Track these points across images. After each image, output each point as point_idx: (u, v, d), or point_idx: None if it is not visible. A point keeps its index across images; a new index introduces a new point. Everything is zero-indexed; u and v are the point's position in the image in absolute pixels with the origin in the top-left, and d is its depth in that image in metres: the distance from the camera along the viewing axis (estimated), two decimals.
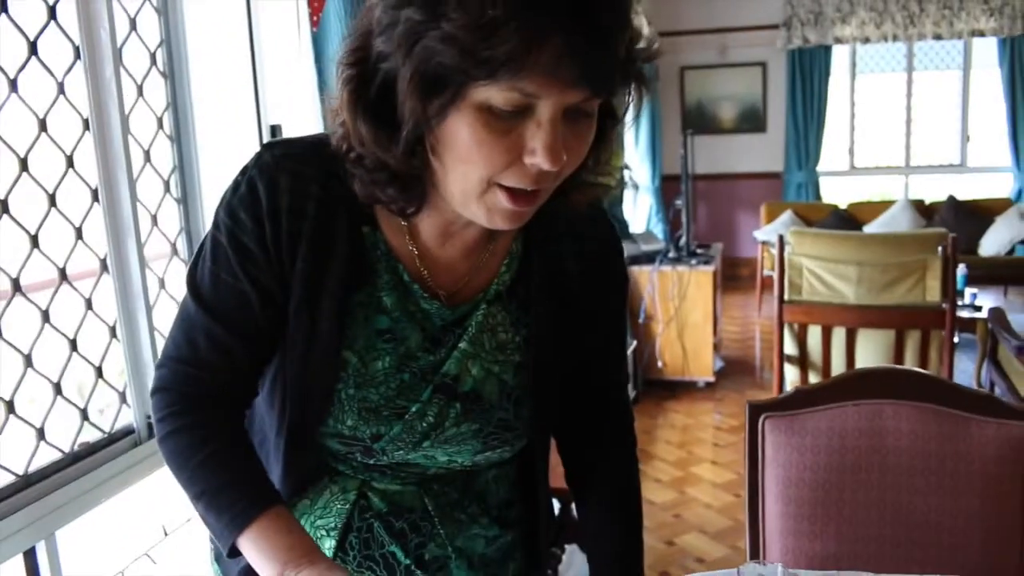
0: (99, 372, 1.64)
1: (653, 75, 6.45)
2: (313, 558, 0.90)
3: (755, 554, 1.73)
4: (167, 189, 1.85)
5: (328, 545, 1.04)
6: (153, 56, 1.81)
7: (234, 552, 0.94)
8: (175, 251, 1.87)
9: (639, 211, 6.81)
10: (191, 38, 1.89)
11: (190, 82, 1.87)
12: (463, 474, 1.08)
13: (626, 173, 5.39)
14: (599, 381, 1.17)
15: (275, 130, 2.12)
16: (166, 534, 1.70)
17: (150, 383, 1.67)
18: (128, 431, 1.69)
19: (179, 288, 1.88)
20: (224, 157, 2.07)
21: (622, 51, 0.83)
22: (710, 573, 1.27)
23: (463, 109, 0.81)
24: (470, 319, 1.02)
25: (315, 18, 1.86)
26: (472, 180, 0.85)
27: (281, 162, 0.94)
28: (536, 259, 1.05)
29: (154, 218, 1.79)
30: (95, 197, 1.63)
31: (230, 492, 0.94)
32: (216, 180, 1.99)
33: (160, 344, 1.75)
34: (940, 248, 3.59)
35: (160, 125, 1.83)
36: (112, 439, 1.65)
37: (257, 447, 1.05)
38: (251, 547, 0.92)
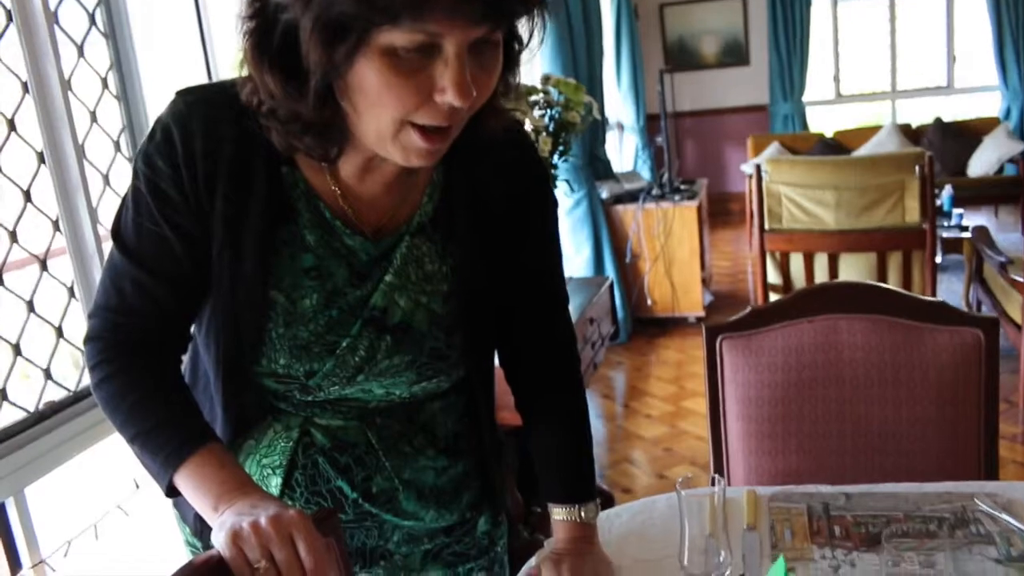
0: (59, 332, 1.66)
1: (632, 13, 6.38)
2: (246, 490, 0.91)
3: (719, 474, 1.76)
4: (118, 148, 1.84)
5: (274, 483, 1.05)
6: (92, 16, 1.79)
7: (172, 491, 0.95)
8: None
9: (625, 151, 6.77)
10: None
11: (133, 41, 1.85)
12: (405, 406, 1.09)
13: (601, 111, 5.34)
14: (535, 304, 1.17)
15: None
16: (137, 486, 1.73)
17: None
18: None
19: None
20: None
21: None
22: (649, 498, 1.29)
23: (369, 54, 0.81)
24: (395, 252, 1.02)
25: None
26: (385, 122, 0.86)
27: (194, 107, 0.94)
28: (457, 188, 1.05)
29: (106, 178, 1.80)
30: (41, 159, 1.63)
31: (162, 432, 0.96)
32: None
33: None
34: (917, 168, 3.57)
35: (105, 85, 1.82)
36: (78, 397, 1.67)
37: (201, 390, 1.07)
38: (186, 484, 0.93)
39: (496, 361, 1.21)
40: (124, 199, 0.99)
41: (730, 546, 1.08)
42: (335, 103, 0.87)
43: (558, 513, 1.16)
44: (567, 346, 1.22)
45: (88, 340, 1.01)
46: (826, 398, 1.68)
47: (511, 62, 0.93)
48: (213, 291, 0.99)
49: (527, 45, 0.95)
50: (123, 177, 1.85)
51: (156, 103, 1.92)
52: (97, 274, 1.69)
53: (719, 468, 1.75)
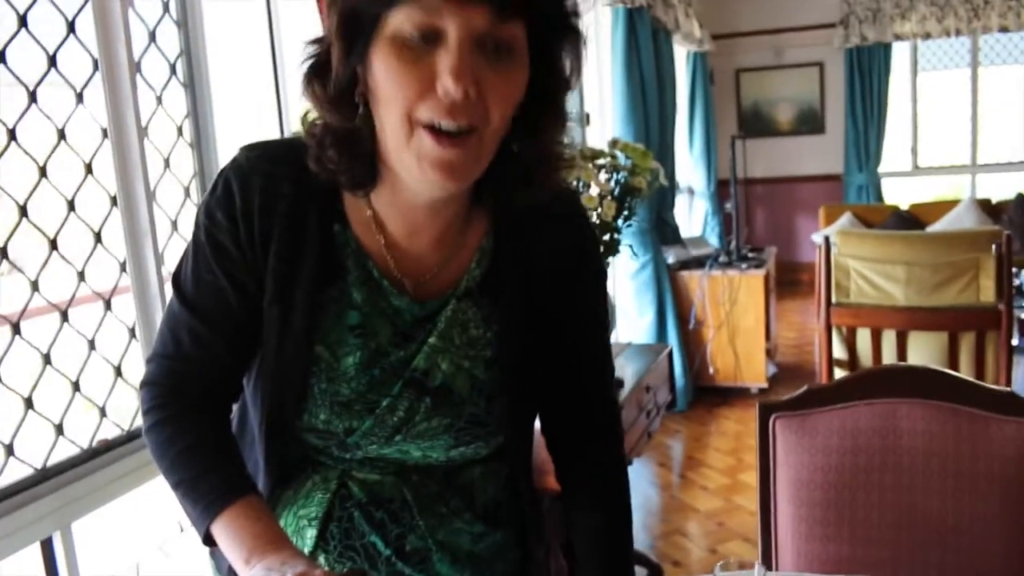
0: (118, 371, 1.70)
1: (707, 78, 6.40)
2: (279, 545, 0.92)
3: (767, 558, 1.70)
4: (187, 195, 1.90)
5: (310, 535, 1.05)
6: (173, 66, 1.86)
7: (209, 540, 0.96)
8: None
9: (695, 216, 6.73)
10: (212, 48, 1.94)
11: (210, 91, 1.92)
12: (444, 468, 1.09)
13: (670, 176, 5.33)
14: (578, 377, 1.14)
15: None
16: (182, 530, 1.75)
17: None
18: None
19: None
20: None
21: None
22: None
23: (379, 45, 0.86)
24: (440, 314, 1.03)
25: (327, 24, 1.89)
26: (395, 120, 0.88)
27: (255, 163, 0.98)
28: (506, 255, 1.05)
29: (174, 223, 1.85)
30: (114, 203, 1.69)
31: (205, 481, 0.97)
32: None
33: None
34: (994, 246, 3.47)
35: (180, 133, 1.89)
36: (131, 436, 1.70)
37: (248, 443, 1.08)
38: (222, 534, 0.94)
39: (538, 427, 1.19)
40: (186, 249, 1.03)
41: None
42: (357, 109, 0.91)
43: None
44: (609, 423, 1.19)
45: (144, 384, 1.04)
46: (882, 486, 1.61)
47: (549, 96, 0.95)
48: (265, 346, 1.01)
49: (569, 83, 0.96)
50: (190, 223, 1.90)
51: (228, 152, 1.97)
52: (159, 317, 1.73)
53: (767, 551, 1.69)
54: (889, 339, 3.66)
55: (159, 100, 1.81)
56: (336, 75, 0.89)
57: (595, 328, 1.15)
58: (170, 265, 1.80)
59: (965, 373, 3.61)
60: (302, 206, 0.98)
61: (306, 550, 1.05)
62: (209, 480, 0.97)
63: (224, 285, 0.99)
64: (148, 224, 1.70)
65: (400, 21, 0.84)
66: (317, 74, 0.92)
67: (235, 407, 1.11)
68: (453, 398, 1.03)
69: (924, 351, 3.62)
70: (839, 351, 3.79)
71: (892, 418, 1.62)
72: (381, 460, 1.06)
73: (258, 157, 0.99)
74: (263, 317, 1.00)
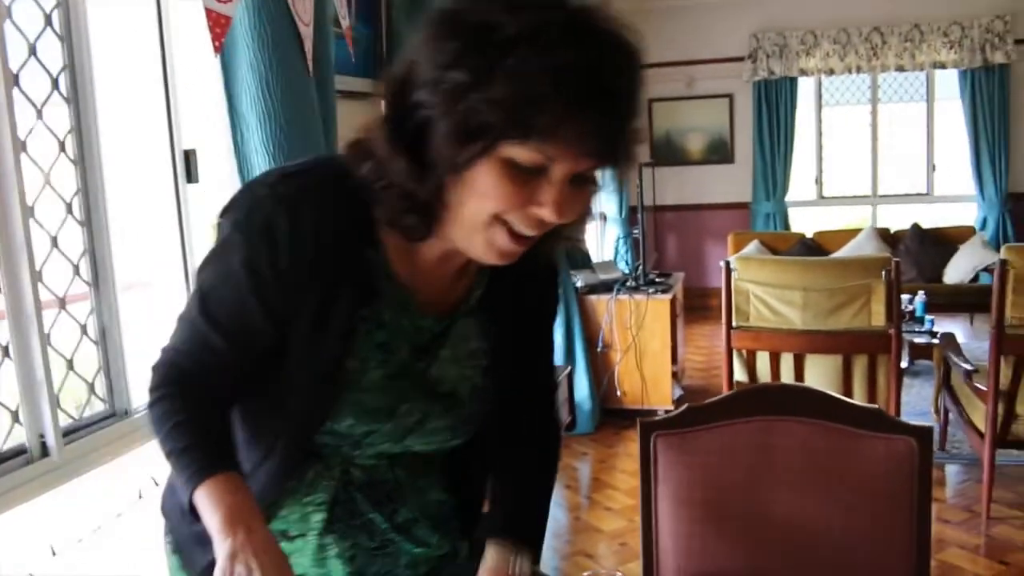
0: None
1: None
2: (252, 524, 0.98)
3: (648, 573, 1.72)
4: (69, 211, 1.85)
5: (317, 519, 1.16)
6: (55, 80, 1.82)
7: (193, 510, 1.01)
8: (77, 271, 1.87)
9: (607, 241, 6.83)
10: (99, 62, 1.91)
11: (95, 106, 1.88)
12: (426, 453, 1.22)
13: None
14: (539, 380, 1.36)
15: (189, 155, 2.13)
16: (54, 554, 1.69)
17: (43, 404, 1.69)
18: (20, 451, 1.68)
19: (78, 309, 1.89)
20: (135, 181, 2.08)
21: (631, 134, 0.98)
22: None
23: (490, 160, 0.94)
24: (451, 330, 1.16)
25: (217, 44, 1.88)
26: (482, 215, 0.98)
27: (296, 192, 1.04)
28: (502, 279, 1.18)
29: (54, 240, 1.80)
30: None
31: (191, 453, 1.03)
32: (124, 204, 2.00)
33: (54, 364, 1.75)
34: (884, 272, 3.61)
35: (62, 148, 1.84)
36: (1, 458, 1.64)
37: (261, 457, 1.14)
38: (202, 503, 1.00)
39: None
40: (210, 259, 1.07)
41: None
42: (445, 191, 0.99)
43: (491, 556, 1.21)
44: (551, 397, 1.40)
45: (155, 367, 1.11)
46: (758, 501, 1.65)
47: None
48: (291, 359, 1.08)
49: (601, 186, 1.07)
50: (74, 242, 1.85)
51: (113, 168, 1.94)
52: (33, 336, 1.68)
53: (648, 566, 1.71)
54: (787, 362, 3.76)
55: (39, 114, 1.77)
56: (437, 169, 0.96)
57: (551, 341, 1.37)
58: (49, 282, 1.76)
59: (858, 394, 3.73)
60: (339, 232, 1.05)
61: (313, 533, 1.17)
62: (195, 452, 1.03)
63: (253, 308, 1.04)
64: (24, 241, 1.65)
65: (519, 151, 0.92)
66: (397, 136, 0.98)
67: (240, 414, 1.16)
68: (458, 402, 1.18)
69: (820, 374, 3.74)
70: (740, 373, 3.88)
71: (768, 435, 1.67)
72: (384, 453, 1.18)
73: (298, 186, 1.05)
74: (290, 336, 1.07)
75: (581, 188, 0.99)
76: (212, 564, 1.08)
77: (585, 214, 1.07)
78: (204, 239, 2.20)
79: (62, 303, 1.83)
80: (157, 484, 2.06)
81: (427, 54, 0.95)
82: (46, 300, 1.75)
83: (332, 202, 1.04)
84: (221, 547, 0.96)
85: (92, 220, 1.89)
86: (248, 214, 1.03)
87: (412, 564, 1.24)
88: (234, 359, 1.07)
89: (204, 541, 1.10)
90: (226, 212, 1.06)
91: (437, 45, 0.94)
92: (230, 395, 1.13)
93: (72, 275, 1.86)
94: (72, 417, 1.85)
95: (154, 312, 2.24)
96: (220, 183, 2.21)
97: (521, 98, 0.89)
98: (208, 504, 0.99)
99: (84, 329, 1.90)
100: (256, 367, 1.10)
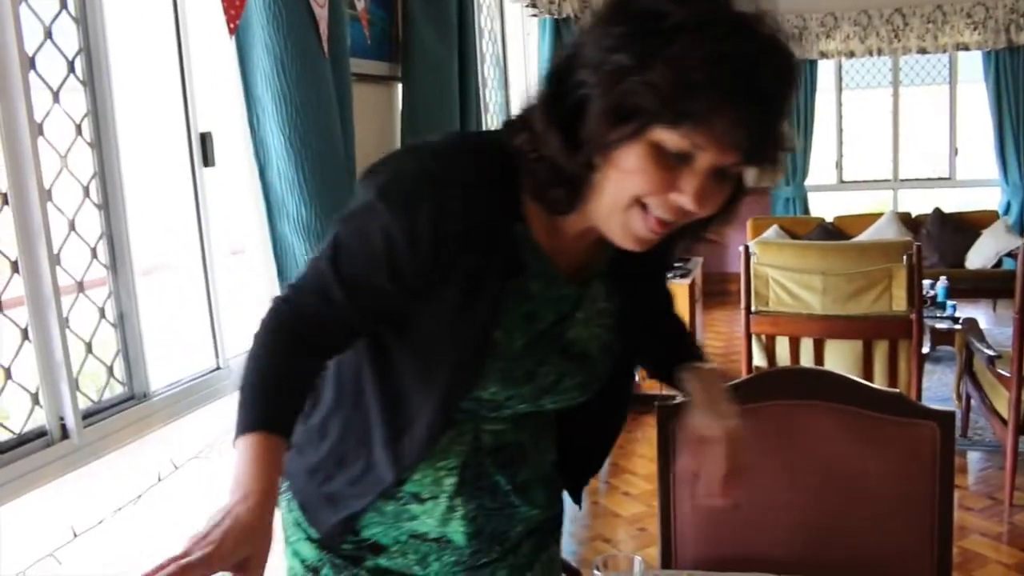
0: (7, 373, 1.65)
1: None
2: (253, 493, 0.99)
3: (667, 557, 1.72)
4: (87, 194, 1.85)
5: (450, 482, 1.22)
6: (71, 64, 1.82)
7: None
8: (94, 255, 1.87)
9: None
10: (115, 45, 1.90)
11: (112, 89, 1.88)
12: (546, 413, 1.28)
13: None
14: (662, 327, 1.41)
15: (205, 138, 2.13)
16: (75, 535, 1.70)
17: (62, 386, 1.69)
18: (40, 433, 1.69)
19: (97, 295, 1.89)
20: (152, 165, 2.08)
21: (779, 136, 1.00)
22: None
23: (639, 142, 0.97)
24: (585, 294, 1.20)
25: (232, 25, 1.87)
26: (624, 195, 1.01)
27: (445, 169, 1.07)
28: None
29: (71, 223, 1.80)
30: (4, 200, 1.64)
31: (253, 403, 1.08)
32: (142, 187, 2.00)
33: (73, 349, 1.75)
34: (905, 257, 3.57)
35: (79, 132, 1.84)
36: (22, 440, 1.65)
37: (405, 425, 1.17)
38: (236, 454, 1.04)
39: None
40: (352, 216, 1.10)
41: None
42: (592, 169, 1.02)
43: (688, 376, 1.32)
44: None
45: (274, 300, 1.15)
46: (777, 486, 1.64)
47: (735, 203, 1.09)
48: (435, 332, 1.12)
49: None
50: (89, 223, 1.85)
51: (130, 152, 1.94)
52: (53, 318, 1.69)
53: (667, 551, 1.71)
54: (807, 347, 3.73)
55: (56, 98, 1.77)
56: (588, 146, 0.99)
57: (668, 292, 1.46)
58: (67, 265, 1.77)
59: (879, 380, 3.69)
60: (489, 207, 1.08)
61: (444, 495, 1.22)
62: (256, 404, 1.08)
63: (382, 274, 1.07)
64: (42, 226, 1.66)
65: (668, 136, 0.95)
66: (554, 112, 1.01)
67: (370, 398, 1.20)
68: (591, 361, 1.23)
69: (840, 359, 3.71)
70: (759, 359, 3.86)
71: (788, 419, 1.66)
72: (515, 415, 1.23)
73: (448, 164, 1.08)
74: (432, 308, 1.10)
75: (723, 183, 1.01)
76: (339, 523, 1.23)
77: (727, 214, 1.09)
78: (221, 222, 2.20)
79: (80, 287, 1.83)
80: (176, 467, 2.07)
81: (594, 37, 0.99)
82: (65, 285, 1.75)
83: (482, 178, 1.08)
84: (230, 494, 1.00)
85: (109, 203, 1.89)
86: (395, 184, 1.07)
87: (523, 524, 1.32)
88: (350, 316, 1.11)
89: (334, 501, 1.23)
90: (372, 174, 1.10)
91: (605, 29, 0.98)
92: (334, 349, 1.17)
93: (90, 258, 1.86)
94: (92, 400, 1.85)
95: (172, 295, 2.25)
96: (236, 166, 2.20)
97: (678, 84, 0.92)
98: (237, 457, 1.04)
99: (102, 312, 1.90)
100: (371, 329, 1.16)
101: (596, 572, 1.25)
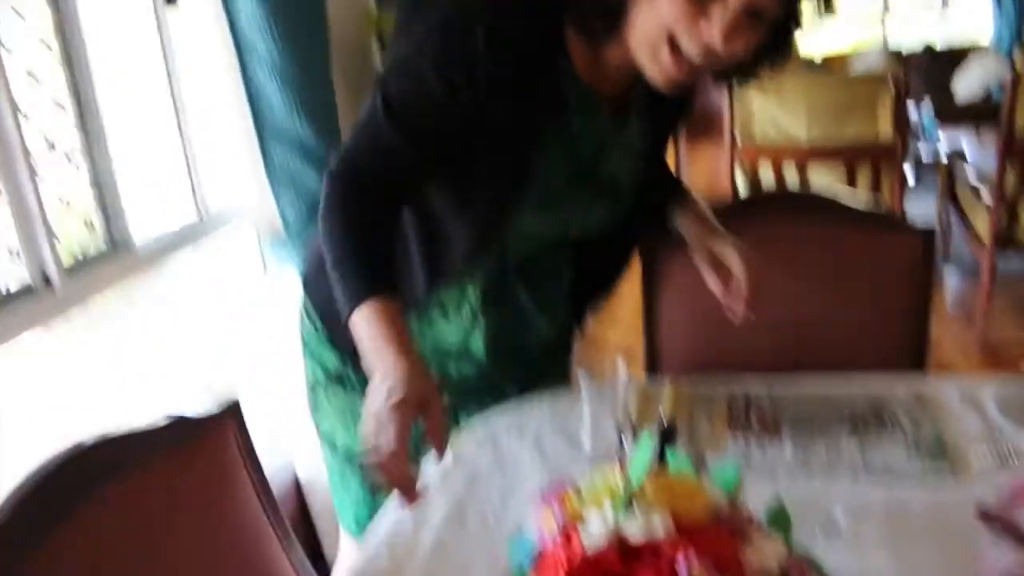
0: None
1: None
2: (403, 351, 1.02)
3: (652, 367, 1.76)
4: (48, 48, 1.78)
5: (475, 297, 1.33)
6: None
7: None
8: (61, 106, 1.82)
9: None
10: None
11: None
12: (564, 237, 1.36)
13: None
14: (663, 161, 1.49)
15: None
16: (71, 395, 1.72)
17: (40, 239, 1.67)
18: (27, 290, 1.68)
19: (70, 148, 1.85)
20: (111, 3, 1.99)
21: None
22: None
23: None
24: (623, 128, 1.26)
25: None
26: (656, 26, 1.04)
27: (490, 9, 1.10)
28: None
29: (29, 72, 1.74)
30: None
31: (353, 273, 1.10)
32: (103, 34, 1.92)
33: (49, 209, 1.72)
34: (892, 82, 3.52)
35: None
36: (10, 298, 1.64)
37: (444, 246, 1.23)
38: (359, 327, 1.06)
39: None
40: (398, 64, 1.15)
41: (634, 431, 1.08)
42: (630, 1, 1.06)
43: (681, 216, 1.41)
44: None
45: (331, 174, 1.16)
46: (762, 300, 1.66)
47: (783, 42, 1.11)
48: (479, 161, 1.16)
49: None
50: (56, 76, 1.78)
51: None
52: (23, 172, 1.65)
53: (652, 353, 1.75)
54: (791, 175, 3.73)
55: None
56: None
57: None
58: (31, 116, 1.71)
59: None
60: (536, 39, 1.13)
61: (468, 310, 1.33)
62: (356, 272, 1.09)
63: (442, 109, 1.11)
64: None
65: None
66: None
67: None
68: (619, 190, 1.30)
69: (824, 187, 3.71)
70: (745, 190, 3.86)
71: (775, 239, 1.65)
72: (541, 238, 1.32)
73: (496, 8, 1.10)
74: (480, 137, 1.14)
75: (756, 26, 1.03)
76: None
77: (755, 61, 1.11)
78: (186, 69, 2.12)
79: (51, 146, 1.78)
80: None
81: None
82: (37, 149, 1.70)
83: (527, 12, 1.12)
84: (376, 370, 1.01)
85: (72, 57, 1.81)
86: (447, 20, 1.10)
87: (537, 338, 1.43)
88: (415, 160, 1.15)
89: None
90: (418, 11, 1.14)
91: None
92: (401, 200, 1.20)
93: (56, 111, 1.80)
94: (75, 258, 1.84)
95: (147, 148, 2.19)
96: (199, 4, 2.09)
97: None
98: (365, 328, 1.05)
99: (68, 157, 1.85)
100: (432, 172, 1.18)
101: (579, 372, 1.32)
